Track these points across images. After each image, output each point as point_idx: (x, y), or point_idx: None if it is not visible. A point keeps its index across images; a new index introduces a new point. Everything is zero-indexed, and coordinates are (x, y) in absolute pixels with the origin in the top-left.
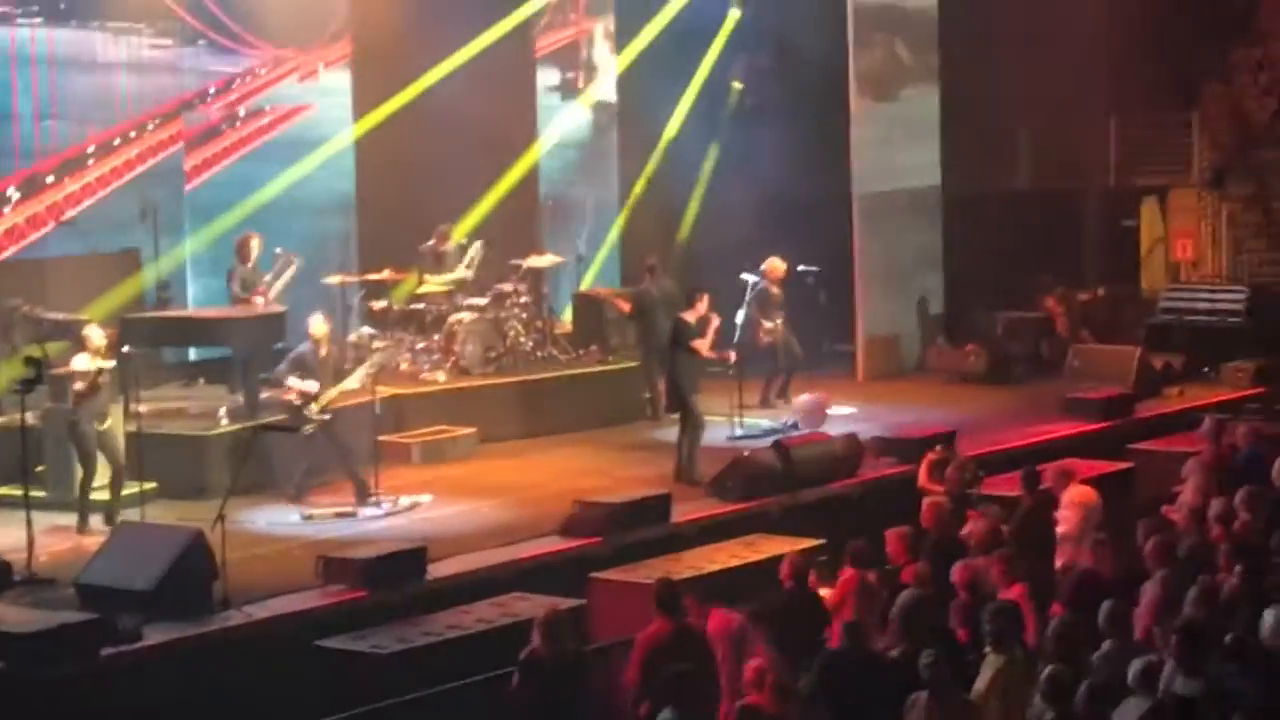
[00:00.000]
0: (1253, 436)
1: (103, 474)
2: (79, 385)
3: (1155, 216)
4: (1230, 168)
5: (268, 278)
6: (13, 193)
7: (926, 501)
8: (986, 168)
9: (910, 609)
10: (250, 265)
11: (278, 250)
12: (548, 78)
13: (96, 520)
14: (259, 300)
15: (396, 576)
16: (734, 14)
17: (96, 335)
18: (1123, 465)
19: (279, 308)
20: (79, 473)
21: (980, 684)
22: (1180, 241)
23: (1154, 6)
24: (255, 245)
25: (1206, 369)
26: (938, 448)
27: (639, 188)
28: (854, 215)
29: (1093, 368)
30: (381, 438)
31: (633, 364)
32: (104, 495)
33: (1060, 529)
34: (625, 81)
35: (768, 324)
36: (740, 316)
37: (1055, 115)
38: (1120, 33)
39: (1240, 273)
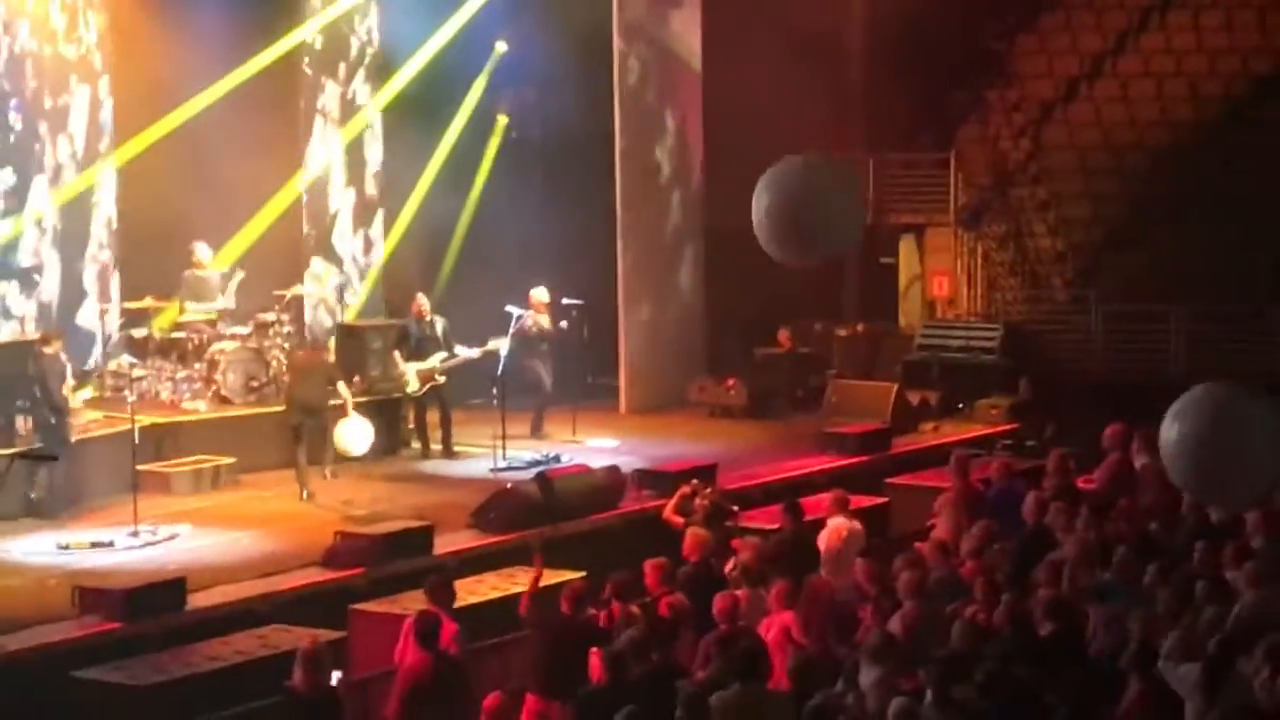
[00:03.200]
0: (1004, 472)
1: None
2: None
3: (913, 254)
4: (985, 207)
5: None
6: None
7: (689, 532)
8: (748, 202)
9: (627, 650)
10: None
11: None
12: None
13: None
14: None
15: (154, 608)
16: (499, 48)
17: None
18: (879, 500)
19: (28, 335)
20: None
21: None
22: (937, 279)
23: (909, 46)
24: None
25: (961, 405)
26: (693, 481)
27: (403, 220)
28: (618, 249)
29: (850, 403)
30: (140, 467)
31: (396, 395)
32: None
33: (823, 559)
34: (390, 112)
35: (532, 354)
36: (504, 348)
37: (814, 149)
38: (876, 72)
39: (995, 310)
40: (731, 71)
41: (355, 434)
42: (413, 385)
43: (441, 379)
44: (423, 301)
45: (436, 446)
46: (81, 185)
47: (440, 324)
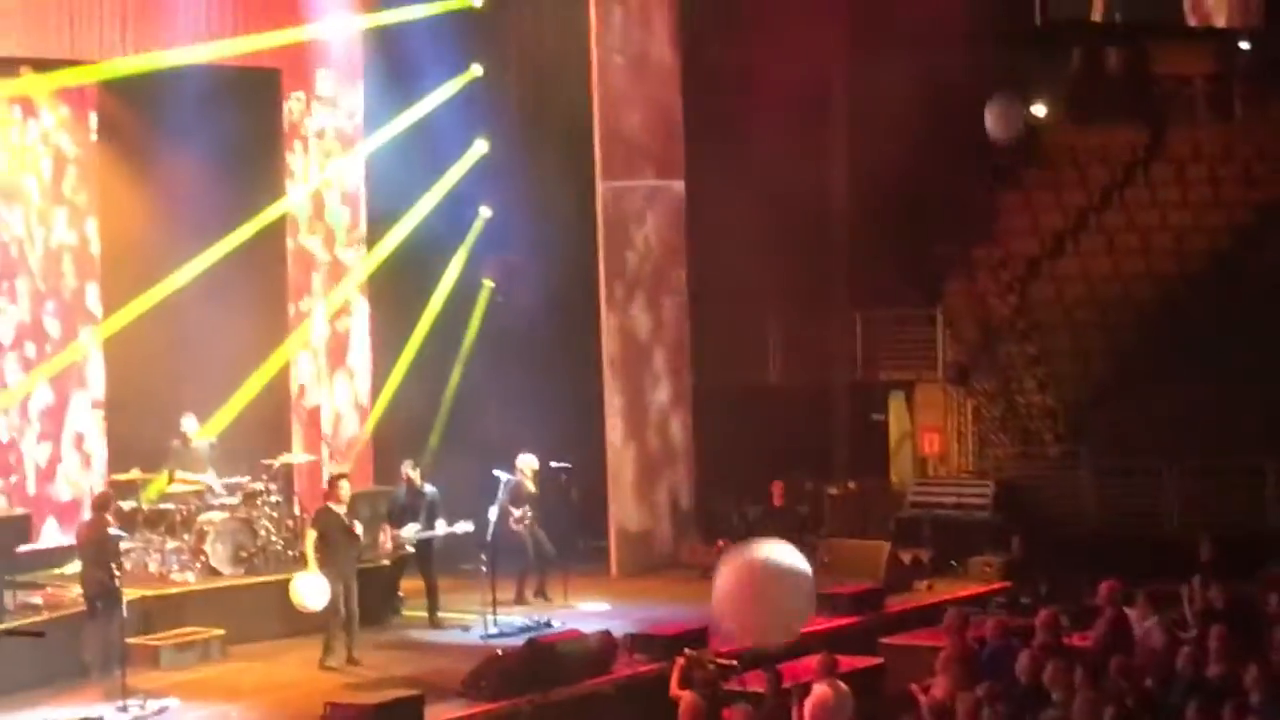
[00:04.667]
0: (999, 630)
1: None
2: None
3: (902, 411)
4: (974, 363)
5: None
6: None
7: (683, 697)
8: (735, 362)
9: None
10: None
11: None
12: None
13: None
14: None
15: None
16: (484, 213)
17: None
18: (873, 660)
19: (20, 511)
20: None
21: None
22: (927, 436)
23: (893, 203)
24: None
25: (954, 563)
26: (685, 651)
27: (390, 387)
28: (605, 412)
29: (843, 562)
30: (129, 640)
31: (384, 563)
32: None
33: None
34: (375, 280)
35: (517, 512)
36: (493, 513)
37: (802, 310)
38: (861, 229)
39: (986, 466)
40: (716, 231)
41: (312, 588)
42: (385, 554)
43: (410, 549)
44: (408, 470)
45: (419, 613)
46: (69, 359)
47: (430, 492)
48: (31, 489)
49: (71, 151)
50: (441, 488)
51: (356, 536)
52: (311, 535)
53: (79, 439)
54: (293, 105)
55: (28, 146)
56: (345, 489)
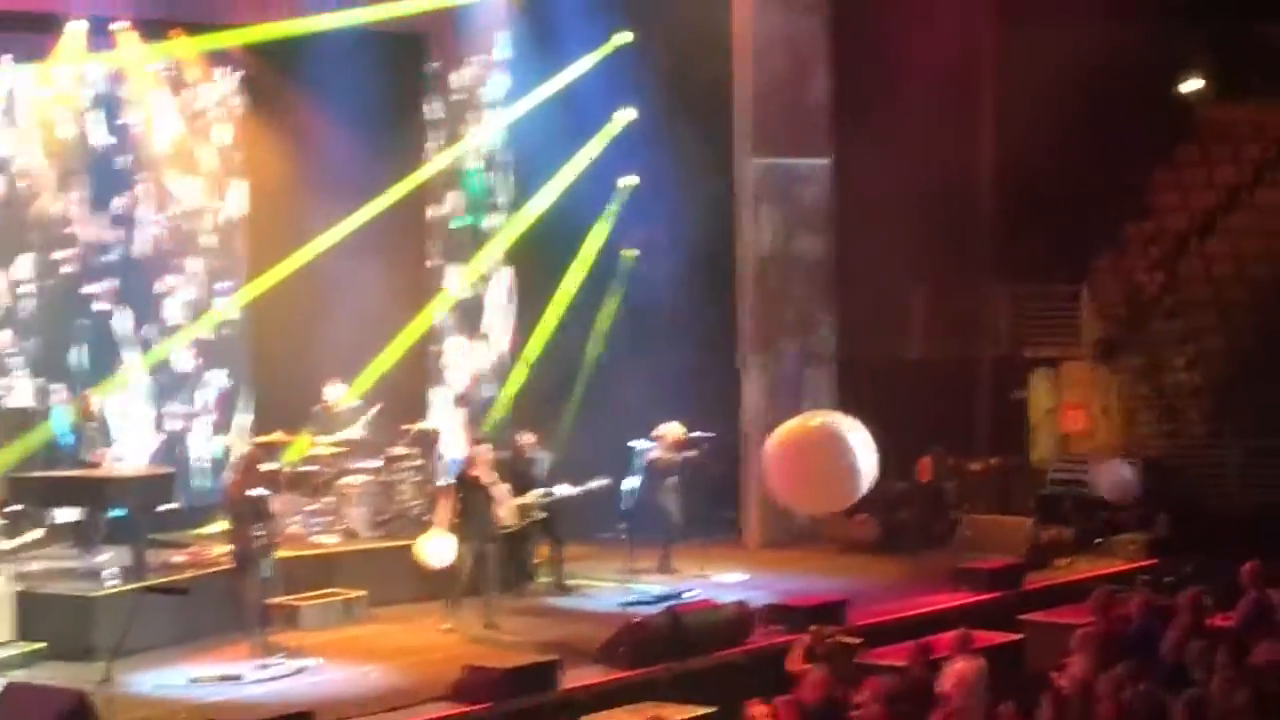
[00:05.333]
0: (1144, 609)
1: None
2: None
3: (1046, 388)
4: (1121, 340)
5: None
6: None
7: (806, 672)
8: (879, 333)
9: None
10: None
11: None
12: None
13: None
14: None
15: None
16: (628, 182)
17: None
18: (1012, 636)
19: (165, 468)
20: None
21: None
22: (1071, 413)
23: (1041, 180)
24: (95, 403)
25: (1099, 540)
26: (811, 629)
27: (529, 354)
28: (743, 381)
29: (984, 538)
30: (270, 600)
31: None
32: None
33: (947, 700)
34: (517, 247)
35: (657, 491)
36: (629, 483)
37: (947, 285)
38: (1008, 205)
39: (1131, 445)
40: (863, 204)
41: (436, 547)
42: (510, 521)
43: (540, 515)
44: (522, 438)
45: (547, 579)
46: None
47: (543, 460)
48: (175, 449)
49: (216, 114)
50: (579, 457)
51: (495, 503)
52: (447, 500)
53: (222, 399)
54: (437, 70)
55: (185, 111)
56: (484, 454)
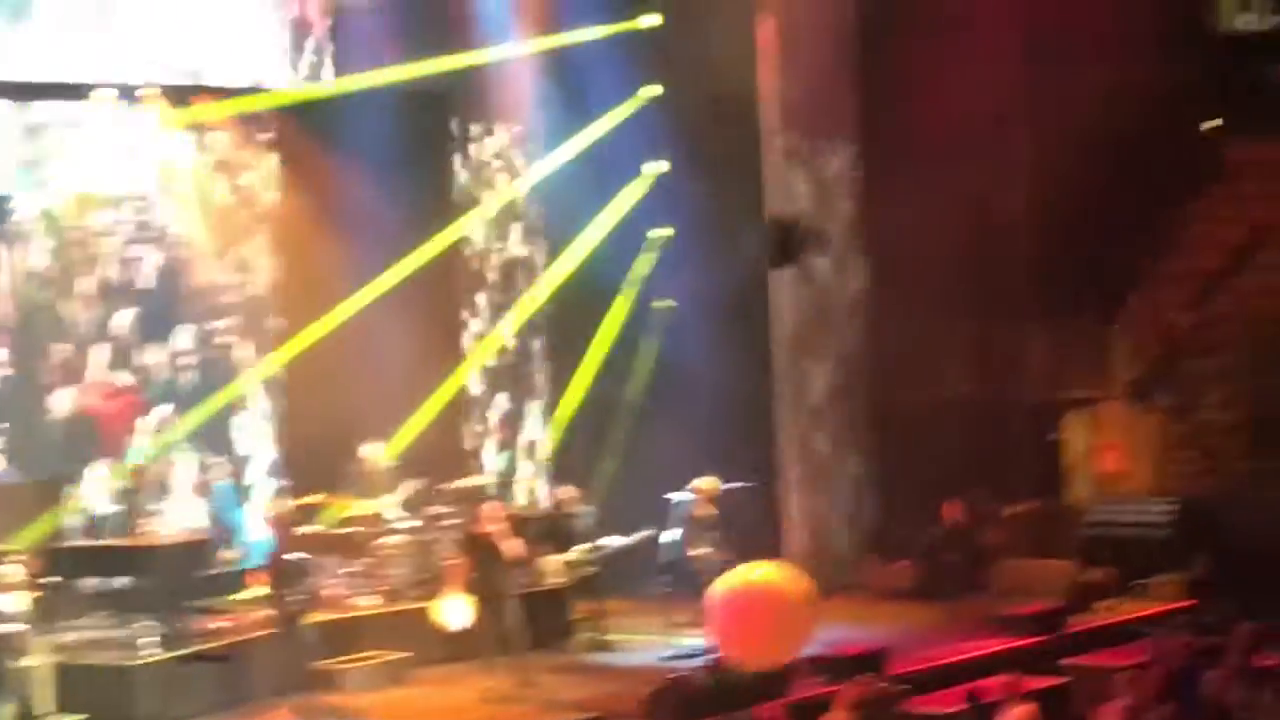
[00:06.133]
0: (1186, 650)
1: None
2: None
3: (1081, 428)
4: (1155, 379)
5: None
6: None
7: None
8: (917, 377)
9: None
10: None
11: None
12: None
13: None
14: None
15: None
16: (660, 235)
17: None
18: (1058, 680)
19: (202, 535)
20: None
21: None
22: (1107, 454)
23: (1073, 217)
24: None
25: (1138, 582)
26: (853, 678)
27: (564, 411)
28: (778, 430)
29: (1023, 582)
30: (313, 664)
31: (550, 585)
32: None
33: None
34: (549, 304)
35: (697, 544)
36: (668, 537)
37: (979, 327)
38: (1039, 244)
39: (1168, 484)
40: (898, 242)
41: (451, 610)
42: (554, 577)
43: (591, 570)
44: (563, 493)
45: (587, 635)
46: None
47: (586, 515)
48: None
49: (246, 178)
50: (617, 512)
51: (508, 559)
52: (459, 560)
53: (259, 463)
54: (467, 127)
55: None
56: (493, 511)
